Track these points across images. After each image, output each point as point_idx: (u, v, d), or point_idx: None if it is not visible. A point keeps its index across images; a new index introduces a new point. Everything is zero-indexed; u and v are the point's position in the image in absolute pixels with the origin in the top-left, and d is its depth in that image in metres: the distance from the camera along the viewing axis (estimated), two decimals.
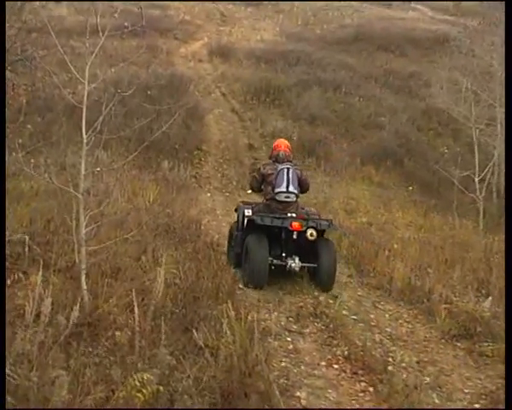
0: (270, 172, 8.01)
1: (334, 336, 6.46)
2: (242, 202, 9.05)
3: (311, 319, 6.89)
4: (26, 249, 6.46)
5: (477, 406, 5.27)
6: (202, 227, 10.15)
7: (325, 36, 30.08)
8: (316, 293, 7.65)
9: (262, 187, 8.21)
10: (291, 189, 7.80)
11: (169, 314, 5.79)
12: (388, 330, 6.91)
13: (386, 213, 13.46)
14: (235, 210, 8.79)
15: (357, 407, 5.02)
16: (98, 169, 6.40)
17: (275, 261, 7.72)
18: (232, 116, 19.82)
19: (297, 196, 7.99)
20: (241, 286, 7.55)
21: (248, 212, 8.09)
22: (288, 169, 7.88)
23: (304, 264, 7.80)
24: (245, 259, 7.80)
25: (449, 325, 6.92)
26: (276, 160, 8.14)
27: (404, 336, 6.79)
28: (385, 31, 28.84)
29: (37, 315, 4.88)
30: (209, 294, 6.48)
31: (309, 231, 7.52)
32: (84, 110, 5.73)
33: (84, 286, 5.66)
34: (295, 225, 7.55)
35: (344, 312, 7.22)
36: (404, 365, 5.94)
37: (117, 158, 12.87)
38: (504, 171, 12.32)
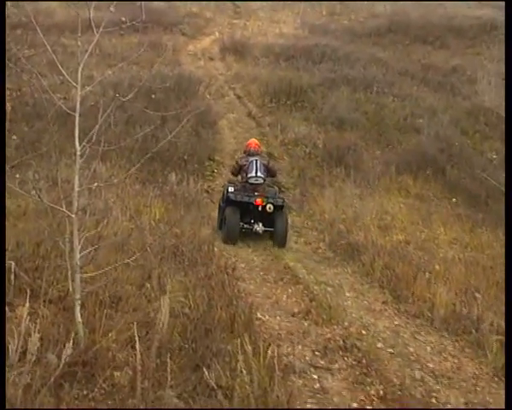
0: (244, 162, 12.25)
1: (367, 372, 6.37)
2: (229, 181, 12.86)
3: (341, 352, 6.79)
4: (12, 277, 6.40)
5: None
6: (215, 249, 10.13)
7: (353, 27, 30.17)
8: (346, 323, 7.60)
9: (239, 173, 12.43)
10: (259, 174, 12.04)
11: (176, 350, 5.76)
12: (430, 365, 6.82)
13: (426, 229, 13.30)
14: (223, 187, 12.58)
15: None
16: (95, 184, 6.39)
17: (245, 226, 11.90)
18: (248, 121, 19.89)
19: (264, 180, 12.14)
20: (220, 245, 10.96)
21: (231, 189, 11.99)
22: (257, 160, 12.16)
23: (265, 228, 11.90)
24: (224, 223, 11.89)
25: (502, 359, 6.70)
26: (249, 154, 12.38)
27: (449, 372, 6.68)
28: (422, 19, 28.86)
29: (24, 353, 4.85)
30: (223, 326, 6.44)
31: (268, 206, 11.73)
32: (77, 117, 5.72)
33: (79, 318, 5.62)
34: (258, 201, 11.75)
35: (378, 344, 7.14)
36: (449, 407, 5.88)
37: (117, 171, 12.90)
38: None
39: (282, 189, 15.33)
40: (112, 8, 5.63)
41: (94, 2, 6.02)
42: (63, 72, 5.98)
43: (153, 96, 18.11)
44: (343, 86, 21.59)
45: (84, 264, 5.94)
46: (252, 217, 12.03)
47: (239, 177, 12.64)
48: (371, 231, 12.40)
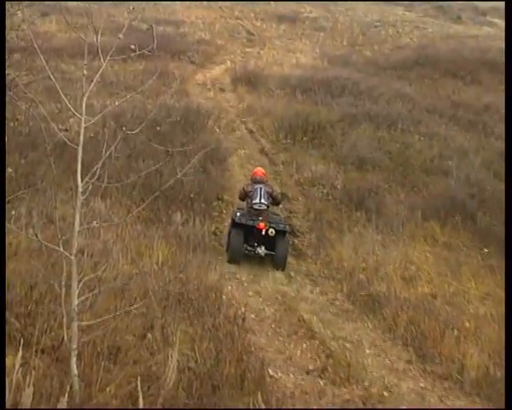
0: (249, 189, 13.87)
1: None
2: (238, 207, 14.41)
3: None
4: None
5: None
6: (224, 297, 10.16)
7: (377, 59, 30.39)
8: (366, 383, 7.55)
9: (245, 199, 13.99)
10: (262, 201, 13.59)
11: (181, 407, 5.75)
12: None
13: (455, 281, 13.12)
14: (233, 212, 14.29)
15: None
16: (95, 223, 6.43)
17: (248, 248, 13.40)
18: (261, 158, 19.79)
19: (267, 206, 13.65)
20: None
21: (238, 214, 13.59)
22: (261, 188, 13.75)
23: (267, 251, 13.36)
24: (228, 244, 13.53)
25: None
26: (254, 181, 14.03)
27: None
28: (453, 52, 29.04)
29: (15, 405, 4.85)
30: (232, 382, 6.45)
31: (270, 230, 13.17)
32: (80, 151, 5.78)
33: (75, 371, 5.61)
34: (261, 225, 13.24)
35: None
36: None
37: (117, 209, 12.99)
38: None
39: (297, 233, 15.33)
40: (121, 36, 5.72)
41: (101, 28, 6.16)
42: (65, 100, 6.06)
43: (158, 128, 18.22)
44: (365, 123, 21.55)
45: (81, 311, 5.95)
46: (255, 240, 13.54)
47: (245, 202, 14.17)
48: (394, 282, 12.35)
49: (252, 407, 5.36)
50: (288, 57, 30.80)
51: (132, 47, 6.17)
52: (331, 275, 13.28)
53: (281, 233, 13.54)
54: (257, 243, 13.57)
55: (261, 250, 13.46)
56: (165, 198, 14.92)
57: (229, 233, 13.77)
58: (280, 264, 13.45)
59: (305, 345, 9.07)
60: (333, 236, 15.03)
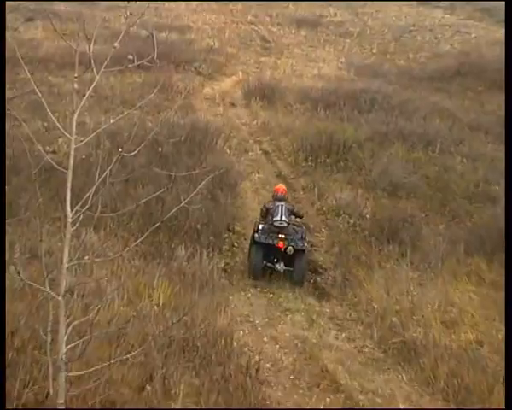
0: (271, 206, 15.49)
1: None
2: (259, 219, 15.72)
3: None
4: None
5: None
6: (235, 343, 10.23)
7: (412, 69, 30.37)
8: None
9: (266, 217, 15.47)
10: (283, 218, 15.17)
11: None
12: None
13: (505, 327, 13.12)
14: (254, 224, 15.69)
15: None
16: (87, 258, 6.44)
17: (268, 264, 15.13)
18: (278, 183, 19.88)
19: (288, 223, 15.20)
20: None
21: (260, 226, 15.24)
22: (283, 205, 15.34)
23: (286, 267, 15.04)
24: (249, 259, 15.34)
25: None
26: (276, 198, 15.60)
27: None
28: (500, 60, 29.05)
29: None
30: None
31: (288, 248, 14.81)
32: (70, 176, 5.78)
33: None
34: (280, 244, 14.91)
35: None
36: None
37: (113, 242, 13.07)
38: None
39: (319, 269, 15.50)
40: (117, 44, 5.76)
41: (94, 35, 6.20)
42: (53, 117, 6.10)
43: (159, 149, 18.12)
44: (397, 143, 21.61)
45: (70, 359, 5.89)
46: (275, 256, 15.30)
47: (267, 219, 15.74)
48: (433, 327, 12.27)
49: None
50: (309, 67, 30.93)
51: (130, 57, 6.19)
52: (359, 318, 13.30)
53: (300, 251, 15.23)
54: (276, 259, 15.33)
55: (280, 266, 15.22)
56: (167, 230, 15.03)
57: (250, 248, 15.69)
58: (298, 280, 15.15)
59: (328, 399, 9.07)
60: (361, 273, 15.08)
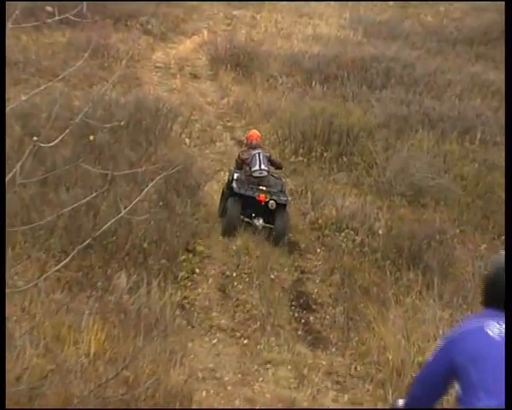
0: (246, 156, 17.91)
1: None
2: (235, 167, 18.28)
3: None
4: None
5: None
6: (194, 408, 10.32)
7: (442, 28, 30.64)
8: None
9: (242, 168, 17.93)
10: (262, 167, 17.62)
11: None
12: None
13: None
14: (229, 171, 18.67)
15: None
16: None
17: (245, 219, 17.48)
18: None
19: (268, 172, 17.78)
20: None
21: (236, 176, 17.69)
22: (259, 153, 17.79)
23: (265, 224, 17.44)
24: (224, 214, 17.79)
25: None
26: (250, 147, 18.11)
27: None
28: None
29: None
30: None
31: (270, 202, 17.15)
32: None
33: None
34: (262, 197, 17.22)
35: None
36: None
37: (25, 267, 12.99)
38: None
39: (313, 305, 15.54)
40: None
41: None
42: None
43: (91, 137, 17.87)
44: (422, 130, 21.75)
45: None
46: (253, 211, 17.60)
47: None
48: None
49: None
50: (301, 25, 31.13)
51: (49, 8, 6.19)
52: (367, 374, 13.40)
53: (281, 206, 17.61)
54: (255, 214, 17.67)
55: (259, 223, 17.61)
56: (102, 250, 15.03)
57: (226, 199, 18.03)
58: (279, 238, 17.54)
59: None
60: (371, 310, 15.10)
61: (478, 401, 5.33)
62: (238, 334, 14.67)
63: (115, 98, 21.52)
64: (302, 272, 16.71)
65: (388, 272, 16.32)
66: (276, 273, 16.67)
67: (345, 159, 20.60)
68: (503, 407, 5.16)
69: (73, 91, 20.46)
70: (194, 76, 26.13)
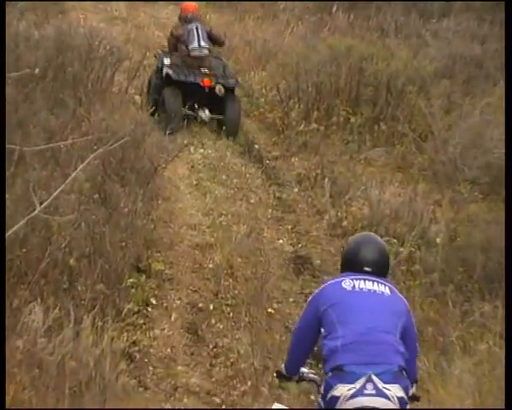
0: (181, 32, 21.42)
1: None
2: (162, 49, 21.97)
3: None
4: None
5: None
6: None
7: None
8: None
9: (176, 48, 21.23)
10: (202, 44, 21.33)
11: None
12: None
13: None
14: (155, 56, 21.52)
15: None
16: None
17: (188, 112, 21.44)
18: (244, 169, 20.64)
19: (209, 50, 21.46)
20: None
21: (167, 61, 21.07)
22: (197, 27, 21.50)
23: (213, 115, 21.59)
24: (162, 108, 21.20)
25: None
26: (185, 20, 21.80)
27: None
28: None
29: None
30: None
31: (217, 87, 21.07)
32: None
33: None
34: (206, 81, 21.06)
35: None
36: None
37: None
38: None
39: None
40: None
41: None
42: None
43: None
44: (504, 81, 21.00)
45: None
46: (196, 101, 20.65)
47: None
48: None
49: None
50: None
51: None
52: None
53: (230, 91, 20.65)
54: (198, 104, 20.94)
55: (205, 115, 21.15)
56: (6, 268, 14.42)
57: (159, 90, 21.02)
58: (232, 130, 20.91)
59: None
60: (424, 362, 14.49)
61: (335, 333, 9.32)
62: (217, 400, 14.40)
63: (24, 32, 21.18)
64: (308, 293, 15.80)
65: (451, 303, 15.50)
66: (275, 305, 16.25)
67: (383, 127, 20.29)
68: (359, 331, 9.23)
69: None
70: None
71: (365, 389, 8.97)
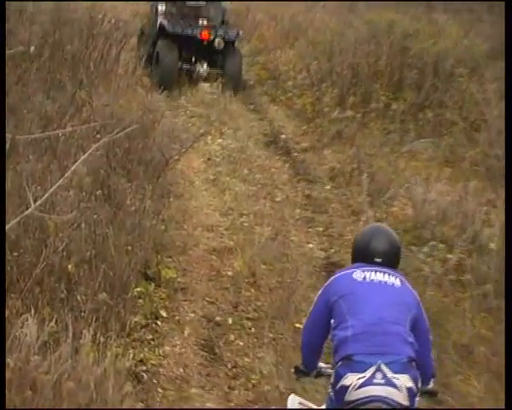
0: None
1: None
2: None
3: None
4: None
5: None
6: None
7: None
8: None
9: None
10: None
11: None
12: None
13: None
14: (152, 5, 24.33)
15: None
16: None
17: (184, 66, 25.47)
18: (267, 162, 21.39)
19: None
20: None
21: (162, 9, 24.09)
22: None
23: (211, 70, 25.32)
24: (156, 62, 24.91)
25: None
26: None
27: None
28: None
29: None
30: None
31: (217, 40, 24.53)
32: None
33: None
34: (205, 34, 24.37)
35: None
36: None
37: None
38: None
39: None
40: None
41: None
42: None
43: None
44: None
45: None
46: (193, 54, 21.07)
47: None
48: None
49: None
50: None
51: None
52: None
53: (230, 43, 20.81)
54: (196, 58, 21.56)
55: (203, 69, 21.98)
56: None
57: (153, 42, 21.05)
58: (234, 83, 21.50)
59: None
60: (474, 387, 14.68)
61: (346, 323, 10.21)
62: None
63: (17, 4, 20.66)
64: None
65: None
66: (304, 320, 15.70)
67: (429, 115, 20.25)
68: (368, 322, 10.16)
69: None
70: None
71: (374, 378, 9.89)
